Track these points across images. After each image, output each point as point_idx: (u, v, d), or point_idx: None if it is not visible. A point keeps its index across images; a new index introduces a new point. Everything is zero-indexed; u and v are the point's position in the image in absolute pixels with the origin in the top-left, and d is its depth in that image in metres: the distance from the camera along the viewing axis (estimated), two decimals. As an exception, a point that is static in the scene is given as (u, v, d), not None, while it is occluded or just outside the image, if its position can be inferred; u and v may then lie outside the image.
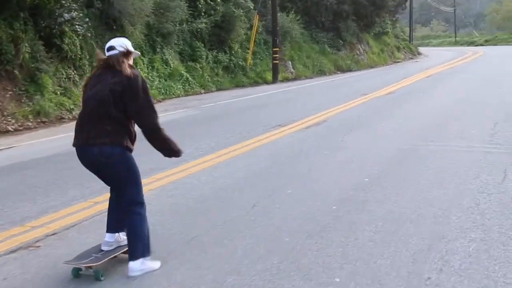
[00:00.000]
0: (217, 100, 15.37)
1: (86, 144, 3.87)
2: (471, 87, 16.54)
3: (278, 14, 24.06)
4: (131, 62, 4.05)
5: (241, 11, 21.43)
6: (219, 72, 19.92)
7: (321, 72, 26.28)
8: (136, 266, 3.88)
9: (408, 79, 19.79)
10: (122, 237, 4.16)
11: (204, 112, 12.99)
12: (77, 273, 3.91)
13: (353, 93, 15.57)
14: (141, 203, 4.01)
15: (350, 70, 28.66)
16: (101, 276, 3.84)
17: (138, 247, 3.92)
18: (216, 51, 20.23)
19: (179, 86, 17.11)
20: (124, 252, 4.07)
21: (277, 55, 22.37)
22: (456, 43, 78.36)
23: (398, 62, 37.62)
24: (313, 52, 27.06)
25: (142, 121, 3.92)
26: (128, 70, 3.88)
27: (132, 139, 3.99)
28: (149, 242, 3.98)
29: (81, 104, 4.28)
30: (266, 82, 21.96)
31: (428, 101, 13.31)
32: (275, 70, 22.45)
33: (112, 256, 4.06)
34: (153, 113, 3.92)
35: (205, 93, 17.93)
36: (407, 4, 47.08)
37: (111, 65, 3.92)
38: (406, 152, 7.67)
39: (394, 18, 42.46)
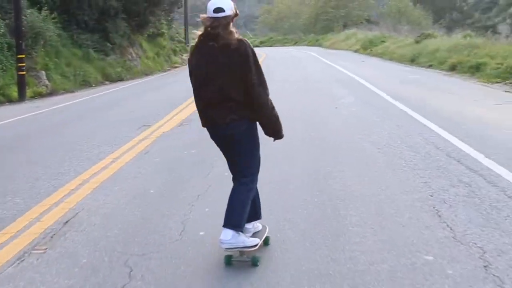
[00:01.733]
0: None
1: (216, 124, 3.98)
2: (304, 98, 13.22)
3: (28, 11, 18.78)
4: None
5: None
6: None
7: (86, 83, 21.21)
8: (228, 237, 3.89)
9: None
10: (256, 224, 4.31)
11: None
12: (229, 261, 4.00)
13: (127, 123, 11.00)
14: (256, 179, 4.18)
15: (122, 79, 24.08)
16: (258, 262, 3.96)
17: (237, 219, 3.94)
18: None
19: None
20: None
21: (23, 64, 16.91)
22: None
23: (177, 67, 33.89)
24: (75, 59, 21.87)
25: (257, 96, 3.89)
26: (234, 40, 3.84)
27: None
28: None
29: (193, 79, 4.04)
30: (10, 100, 16.64)
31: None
32: (21, 84, 16.92)
33: (261, 241, 4.10)
34: (266, 85, 3.97)
35: None
36: (182, 2, 44.24)
37: (219, 34, 3.81)
38: None
39: (169, 18, 38.75)
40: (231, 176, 4.20)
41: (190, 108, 12.70)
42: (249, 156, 4.09)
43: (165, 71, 30.62)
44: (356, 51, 39.76)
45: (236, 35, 3.90)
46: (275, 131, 4.07)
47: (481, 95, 13.46)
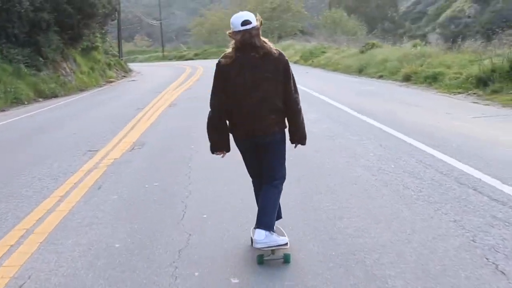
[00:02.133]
0: None
1: (255, 136, 4.16)
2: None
3: None
4: None
5: None
6: None
7: (18, 101, 19.36)
8: (262, 237, 4.06)
9: (146, 113, 14.07)
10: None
11: None
12: (261, 260, 4.13)
13: (71, 149, 9.54)
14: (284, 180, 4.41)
15: (56, 96, 22.31)
16: (290, 259, 4.13)
17: (271, 219, 4.16)
18: None
19: None
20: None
21: None
22: (164, 58, 76.17)
23: (112, 82, 32.18)
24: (5, 75, 19.90)
25: (293, 104, 4.18)
26: (274, 50, 4.08)
27: None
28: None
29: (231, 88, 4.12)
30: None
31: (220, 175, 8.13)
32: None
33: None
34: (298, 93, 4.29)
35: None
36: (116, 15, 42.54)
37: (253, 44, 4.01)
38: None
39: (103, 31, 37.02)
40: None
41: (138, 128, 11.40)
42: (281, 161, 4.33)
43: (100, 86, 28.90)
44: (296, 62, 39.06)
45: (270, 44, 4.09)
46: (302, 137, 4.36)
47: (449, 107, 12.71)
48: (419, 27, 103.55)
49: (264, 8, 74.51)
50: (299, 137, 4.33)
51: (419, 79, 18.09)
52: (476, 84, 15.03)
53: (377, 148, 8.23)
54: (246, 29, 4.00)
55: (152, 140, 10.05)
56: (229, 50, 4.15)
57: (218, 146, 4.32)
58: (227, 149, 4.33)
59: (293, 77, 4.16)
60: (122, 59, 47.03)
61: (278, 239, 4.13)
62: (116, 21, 45.50)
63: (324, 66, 30.90)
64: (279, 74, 4.06)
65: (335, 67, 28.57)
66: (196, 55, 73.42)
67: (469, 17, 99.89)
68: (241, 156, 4.46)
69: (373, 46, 27.84)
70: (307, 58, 37.53)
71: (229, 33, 4.11)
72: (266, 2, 75.34)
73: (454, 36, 30.10)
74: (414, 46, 22.89)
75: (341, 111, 12.54)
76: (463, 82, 15.61)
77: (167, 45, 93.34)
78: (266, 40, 4.11)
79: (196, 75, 30.68)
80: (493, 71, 14.73)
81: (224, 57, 4.15)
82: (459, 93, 14.98)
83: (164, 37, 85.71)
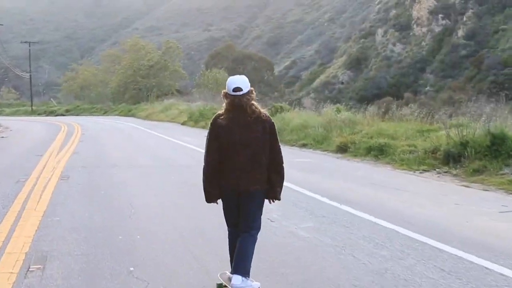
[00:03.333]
0: None
1: (239, 188, 4.59)
2: (189, 203, 8.42)
3: None
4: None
5: None
6: None
7: None
8: (239, 282, 4.48)
9: (30, 193, 9.46)
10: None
11: None
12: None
13: None
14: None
15: None
16: None
17: (247, 265, 4.57)
18: None
19: None
20: None
21: None
22: (33, 112, 70.04)
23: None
24: None
25: (279, 159, 4.68)
26: (263, 113, 4.61)
27: None
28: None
29: (224, 146, 4.58)
30: None
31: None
32: None
33: None
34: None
35: None
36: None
37: (243, 108, 4.52)
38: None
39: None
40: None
41: (22, 234, 7.29)
42: (259, 212, 4.73)
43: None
44: (184, 123, 35.75)
45: (259, 108, 4.61)
46: (280, 191, 4.74)
47: (442, 193, 9.94)
48: (292, 92, 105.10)
49: (140, 65, 71.05)
50: (279, 191, 4.71)
51: (359, 151, 15.42)
52: (444, 161, 12.56)
53: (395, 256, 5.13)
54: (236, 95, 4.52)
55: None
56: (221, 111, 4.65)
57: (214, 197, 4.71)
58: (220, 197, 4.72)
59: (277, 138, 4.70)
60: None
61: (253, 284, 4.59)
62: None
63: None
64: (266, 135, 4.58)
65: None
66: (67, 111, 68.16)
67: (342, 83, 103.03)
68: None
69: (280, 109, 25.27)
70: (197, 120, 33.98)
71: (224, 93, 4.58)
72: (142, 59, 71.88)
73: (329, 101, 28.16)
74: (337, 111, 20.40)
75: (311, 198, 9.33)
76: (424, 158, 13.09)
77: (36, 99, 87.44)
78: (255, 104, 4.58)
79: (76, 134, 26.29)
80: (463, 145, 12.35)
81: (218, 117, 4.62)
82: (425, 170, 12.40)
83: (33, 91, 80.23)
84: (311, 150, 17.67)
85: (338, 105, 22.81)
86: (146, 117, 47.09)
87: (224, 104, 4.58)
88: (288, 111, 24.99)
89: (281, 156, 4.68)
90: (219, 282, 4.76)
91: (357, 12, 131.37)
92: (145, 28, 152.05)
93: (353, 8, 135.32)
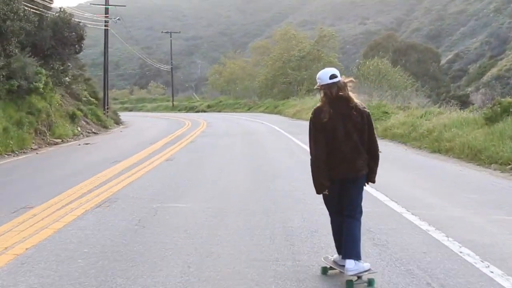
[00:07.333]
0: None
1: (348, 174, 4.73)
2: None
3: None
4: None
5: None
6: None
7: None
8: (352, 265, 4.61)
9: None
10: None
11: None
12: (351, 284, 4.60)
13: None
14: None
15: None
16: (374, 283, 4.62)
17: (357, 249, 4.70)
18: None
19: None
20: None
21: None
22: (174, 108, 64.79)
23: (58, 143, 20.20)
24: None
25: (375, 148, 4.85)
26: (359, 103, 4.72)
27: None
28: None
29: (329, 139, 4.70)
30: None
31: None
32: None
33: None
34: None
35: None
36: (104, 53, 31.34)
37: (343, 97, 4.65)
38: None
39: (62, 66, 25.34)
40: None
41: None
42: (360, 195, 4.87)
43: (25, 153, 16.77)
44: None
45: (355, 98, 4.71)
46: (375, 176, 4.90)
47: None
48: (458, 86, 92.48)
49: (290, 56, 62.98)
50: (375, 176, 4.89)
51: None
52: None
53: None
54: (334, 82, 4.63)
55: None
56: (319, 103, 4.77)
57: (326, 188, 4.75)
58: (329, 186, 4.74)
59: (373, 126, 4.82)
60: (107, 110, 35.22)
61: (365, 266, 4.70)
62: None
63: (401, 139, 18.49)
64: (365, 124, 4.69)
65: (441, 146, 15.73)
66: (209, 106, 62.08)
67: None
68: None
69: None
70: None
71: (320, 85, 4.70)
72: (293, 49, 63.67)
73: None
74: None
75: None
76: None
77: (181, 94, 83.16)
78: (351, 94, 4.64)
79: (183, 140, 18.23)
80: None
81: (319, 110, 4.71)
82: None
83: (183, 86, 76.23)
84: None
85: None
86: (294, 115, 39.36)
87: (321, 97, 4.71)
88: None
89: (377, 145, 4.84)
90: (323, 265, 4.93)
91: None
92: (298, 23, 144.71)
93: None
